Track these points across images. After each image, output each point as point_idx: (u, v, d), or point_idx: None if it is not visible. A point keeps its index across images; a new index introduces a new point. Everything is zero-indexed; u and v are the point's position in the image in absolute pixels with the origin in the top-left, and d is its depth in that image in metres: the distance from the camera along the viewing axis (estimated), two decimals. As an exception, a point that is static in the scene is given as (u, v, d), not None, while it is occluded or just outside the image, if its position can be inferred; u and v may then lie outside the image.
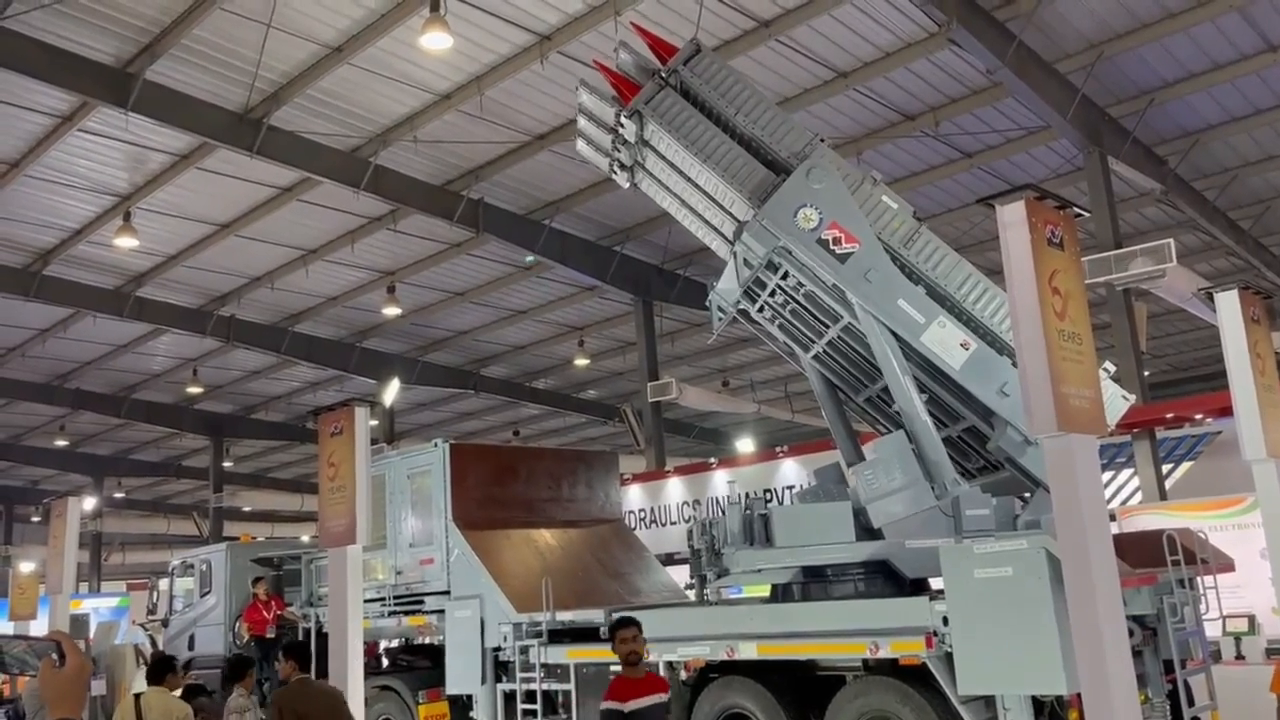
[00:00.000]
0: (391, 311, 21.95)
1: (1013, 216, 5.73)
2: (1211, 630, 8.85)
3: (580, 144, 10.51)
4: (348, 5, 12.67)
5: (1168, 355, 28.07)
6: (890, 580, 8.59)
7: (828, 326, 9.19)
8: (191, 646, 15.15)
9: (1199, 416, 15.01)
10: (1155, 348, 25.72)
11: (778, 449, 19.90)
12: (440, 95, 14.74)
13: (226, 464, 33.44)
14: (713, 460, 21.06)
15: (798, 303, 9.20)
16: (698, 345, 25.74)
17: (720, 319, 9.63)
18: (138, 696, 7.20)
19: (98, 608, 27.55)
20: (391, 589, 11.76)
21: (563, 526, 11.94)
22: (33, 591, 15.43)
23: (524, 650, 10.10)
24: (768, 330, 9.71)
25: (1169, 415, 15.03)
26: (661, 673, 8.97)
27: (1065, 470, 5.58)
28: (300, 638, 12.90)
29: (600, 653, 9.51)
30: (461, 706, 10.91)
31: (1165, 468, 15.08)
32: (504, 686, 10.40)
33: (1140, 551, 7.83)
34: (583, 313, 24.56)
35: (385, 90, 14.57)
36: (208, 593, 15.21)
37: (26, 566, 17.37)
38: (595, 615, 9.81)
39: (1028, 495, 8.88)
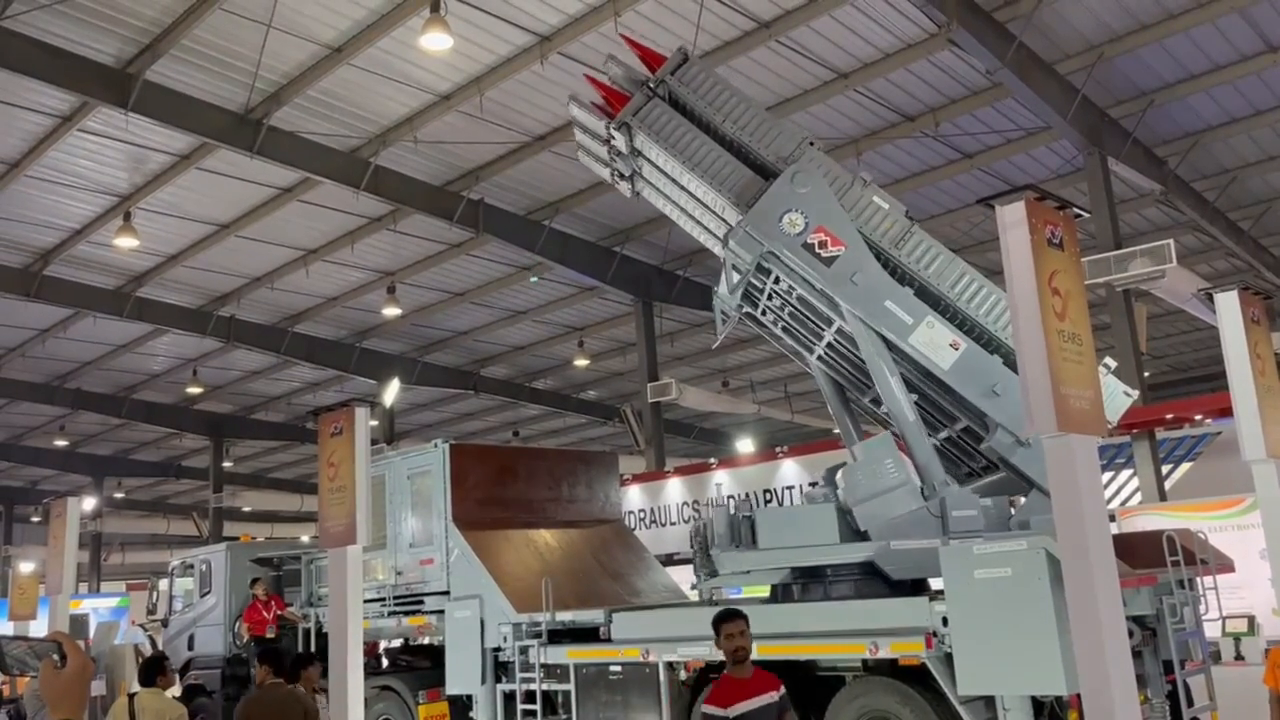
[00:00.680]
0: (391, 312, 21.96)
1: (1013, 217, 5.73)
2: (1211, 631, 8.86)
3: (581, 155, 10.66)
4: (348, 6, 12.67)
5: (1167, 356, 28.09)
6: (889, 581, 8.59)
7: (824, 329, 9.21)
8: (191, 647, 15.14)
9: (1199, 417, 15.02)
10: (1155, 348, 25.73)
11: (778, 449, 19.90)
12: (440, 96, 14.75)
13: (226, 464, 33.45)
14: (713, 461, 21.05)
15: (793, 306, 9.22)
16: (698, 346, 25.74)
17: (724, 322, 9.67)
18: (131, 697, 7.17)
19: (97, 608, 27.56)
20: (391, 589, 11.77)
21: (563, 527, 11.94)
22: (32, 592, 15.42)
23: (524, 650, 10.11)
24: (773, 332, 9.75)
25: (1169, 416, 15.04)
26: (661, 674, 8.99)
27: (1065, 471, 5.57)
28: (300, 638, 12.92)
29: (600, 653, 9.53)
30: (461, 707, 10.92)
31: (1165, 468, 15.09)
32: (504, 687, 10.41)
33: (1140, 552, 7.83)
34: (583, 313, 24.56)
35: (385, 91, 14.57)
36: (207, 593, 15.21)
37: (26, 566, 17.32)
38: (595, 615, 9.83)
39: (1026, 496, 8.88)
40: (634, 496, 20.36)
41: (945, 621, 7.23)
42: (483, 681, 10.49)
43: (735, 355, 27.30)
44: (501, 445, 29.00)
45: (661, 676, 8.98)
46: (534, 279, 21.69)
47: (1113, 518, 12.50)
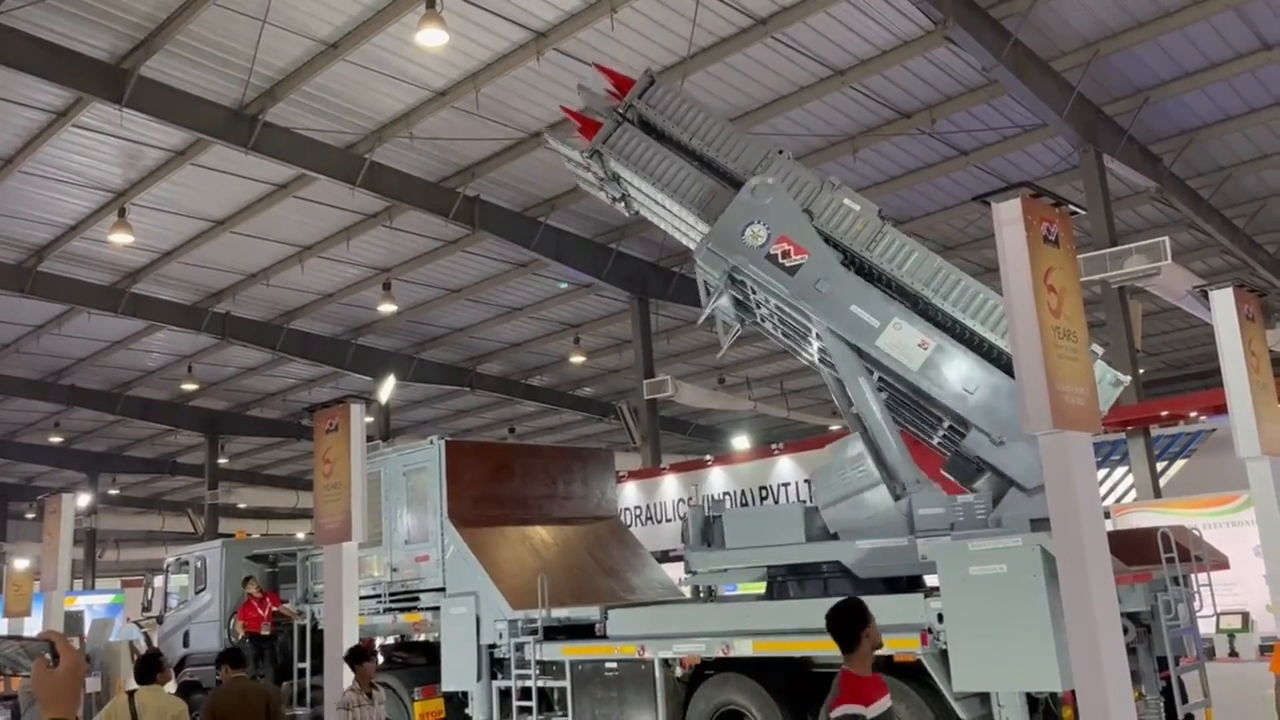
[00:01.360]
0: (387, 308, 21.93)
1: (1009, 214, 5.75)
2: (1205, 627, 8.87)
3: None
4: (344, 1, 12.64)
5: (1162, 353, 28.14)
6: (886, 579, 8.59)
7: (810, 330, 9.25)
8: (186, 643, 15.13)
9: (1193, 414, 15.04)
10: (1150, 345, 25.78)
11: (773, 446, 19.93)
12: (436, 92, 14.72)
13: (221, 461, 33.42)
14: (708, 457, 21.09)
15: (778, 313, 9.31)
16: (694, 342, 25.75)
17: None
18: (131, 695, 7.14)
19: (92, 605, 27.56)
20: (387, 586, 11.76)
21: (558, 524, 11.94)
22: (27, 588, 15.42)
23: (519, 647, 10.10)
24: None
25: (1164, 413, 15.06)
26: (656, 671, 9.00)
27: (1060, 467, 5.59)
28: (296, 634, 12.92)
29: (596, 649, 9.53)
30: (457, 704, 10.91)
31: (1160, 465, 15.12)
32: (499, 683, 10.40)
33: (1135, 549, 7.84)
34: (579, 310, 24.55)
35: (381, 87, 14.55)
36: (203, 589, 15.19)
37: (21, 563, 17.34)
38: (591, 612, 9.83)
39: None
40: (630, 493, 20.38)
41: (940, 618, 7.23)
42: (478, 678, 10.48)
43: (731, 352, 27.15)
44: (497, 442, 29.02)
45: (657, 673, 8.98)
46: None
47: (1107, 515, 12.52)
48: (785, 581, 9.05)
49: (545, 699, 10.05)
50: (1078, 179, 15.85)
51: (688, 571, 9.64)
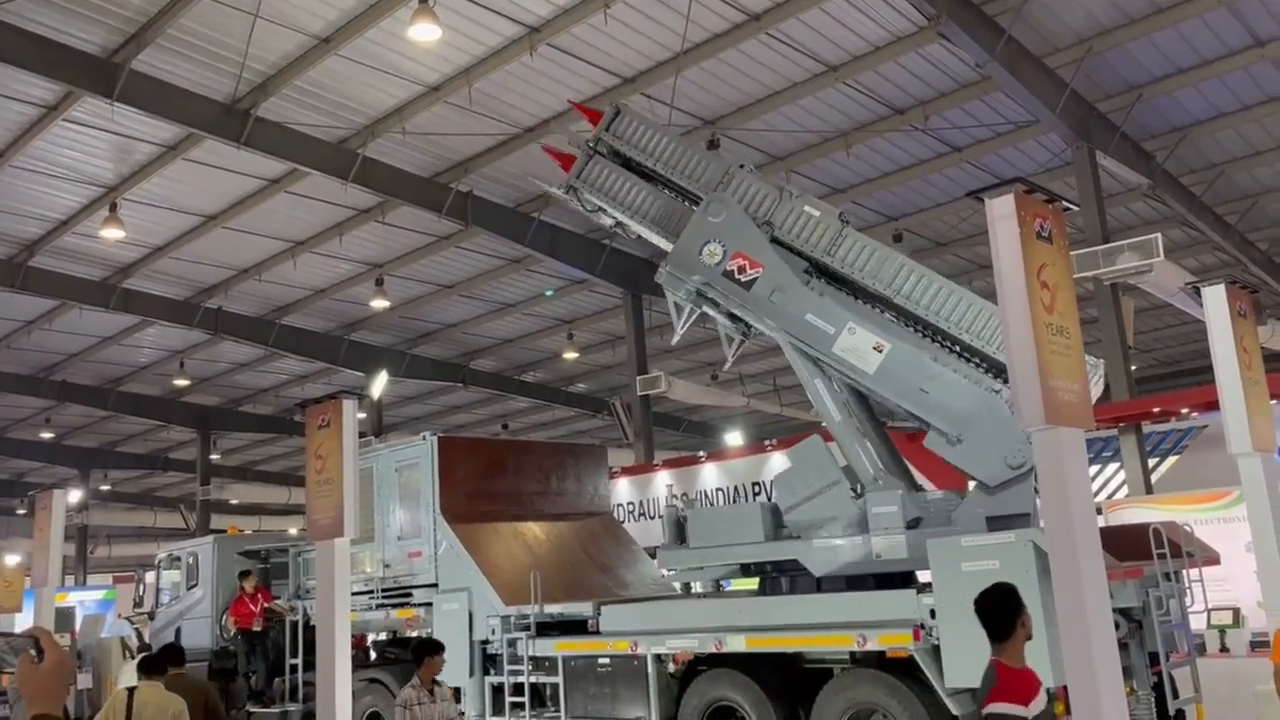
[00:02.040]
0: (380, 304, 21.89)
1: (1002, 210, 5.74)
2: (1196, 623, 8.91)
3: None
4: (336, -4, 12.61)
5: (1154, 350, 28.21)
6: (882, 576, 8.60)
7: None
8: (178, 639, 15.07)
9: (1185, 410, 15.09)
10: (1142, 342, 25.79)
11: (766, 442, 19.92)
12: (429, 87, 14.68)
13: (214, 457, 33.33)
14: (701, 453, 21.07)
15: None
16: (686, 339, 25.67)
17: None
18: (131, 691, 7.08)
19: (84, 601, 27.47)
20: (379, 582, 11.74)
21: (551, 520, 11.93)
22: (18, 584, 15.36)
23: (512, 643, 10.11)
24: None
25: (1155, 409, 15.11)
26: (649, 667, 9.01)
27: (1053, 464, 5.59)
28: (288, 631, 12.91)
29: (588, 645, 9.54)
30: (449, 699, 10.91)
31: (1151, 461, 15.16)
32: (492, 679, 10.41)
33: (1126, 545, 7.87)
34: (572, 306, 24.52)
35: (374, 82, 14.50)
36: (194, 586, 15.14)
37: (12, 559, 17.30)
38: (583, 608, 9.84)
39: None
40: (623, 489, 20.36)
41: (933, 614, 7.24)
42: (471, 674, 10.48)
43: (723, 349, 27.25)
44: (490, 438, 28.97)
45: (650, 669, 9.00)
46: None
47: (1100, 511, 12.55)
48: (778, 578, 9.08)
49: (538, 695, 10.05)
50: (1070, 175, 15.87)
51: (663, 569, 9.87)
